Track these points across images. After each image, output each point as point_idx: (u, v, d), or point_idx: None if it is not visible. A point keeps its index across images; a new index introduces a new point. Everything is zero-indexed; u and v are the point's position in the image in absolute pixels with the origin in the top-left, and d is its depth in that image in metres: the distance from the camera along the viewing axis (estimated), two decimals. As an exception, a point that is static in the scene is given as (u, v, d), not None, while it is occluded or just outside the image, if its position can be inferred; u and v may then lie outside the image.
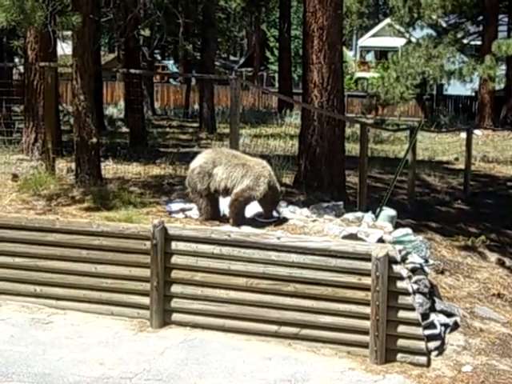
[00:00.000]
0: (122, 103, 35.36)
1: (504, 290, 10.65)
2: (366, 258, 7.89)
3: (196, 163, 9.49)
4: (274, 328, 8.28)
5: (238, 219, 9.23)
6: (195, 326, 8.52)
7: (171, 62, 59.20)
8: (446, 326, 8.52)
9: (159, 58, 54.32)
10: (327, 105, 12.61)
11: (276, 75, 55.27)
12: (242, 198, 9.19)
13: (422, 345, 7.92)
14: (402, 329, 7.92)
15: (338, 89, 12.74)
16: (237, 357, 7.88)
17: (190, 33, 34.96)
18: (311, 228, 9.19)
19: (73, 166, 12.03)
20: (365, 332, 7.95)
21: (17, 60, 29.92)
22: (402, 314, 7.90)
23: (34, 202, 10.41)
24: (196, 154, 10.00)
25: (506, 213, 15.27)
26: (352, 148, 17.87)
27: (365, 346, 7.97)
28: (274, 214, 9.61)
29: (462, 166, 18.35)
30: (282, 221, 9.48)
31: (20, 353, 7.75)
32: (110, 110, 35.13)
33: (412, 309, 7.90)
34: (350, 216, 9.99)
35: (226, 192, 9.30)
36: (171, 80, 54.81)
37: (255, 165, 9.34)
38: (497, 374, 7.86)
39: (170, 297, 8.57)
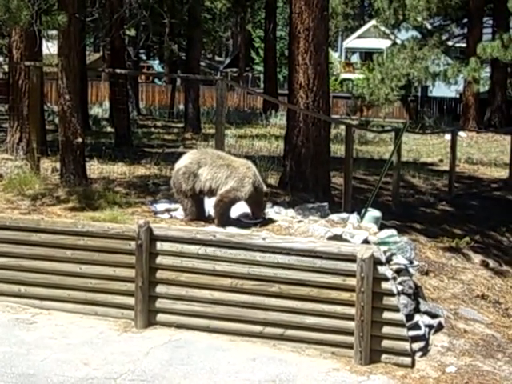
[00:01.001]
0: (106, 103, 35.28)
1: (488, 292, 10.70)
2: (351, 259, 7.90)
3: (181, 163, 9.49)
4: (258, 329, 8.28)
5: (223, 220, 9.23)
6: (180, 326, 8.51)
7: (156, 62, 59.07)
8: (430, 327, 8.54)
9: (144, 57, 54.21)
10: (313, 106, 12.65)
11: (261, 76, 55.25)
12: (227, 199, 9.19)
13: (406, 346, 7.94)
14: (386, 330, 7.94)
15: (323, 90, 12.78)
16: (221, 357, 7.87)
17: (176, 33, 34.95)
18: (296, 229, 9.19)
19: (58, 165, 12.01)
20: (349, 333, 7.97)
21: (1, 59, 29.80)
22: (386, 314, 7.92)
23: (19, 202, 10.38)
24: (181, 154, 10.00)
25: (490, 214, 15.35)
26: (337, 149, 17.88)
27: (349, 346, 7.99)
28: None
29: (447, 168, 18.42)
30: (267, 221, 9.49)
31: (4, 353, 7.71)
32: (95, 110, 35.03)
33: (396, 310, 7.93)
34: (335, 217, 10.00)
35: (211, 193, 9.31)
36: (156, 80, 54.75)
37: (240, 166, 9.35)
38: (480, 374, 7.90)
39: (155, 297, 8.56)
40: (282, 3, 50.41)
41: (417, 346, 8.11)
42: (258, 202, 9.44)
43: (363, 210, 10.80)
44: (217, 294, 8.37)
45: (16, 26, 11.53)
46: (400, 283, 8.22)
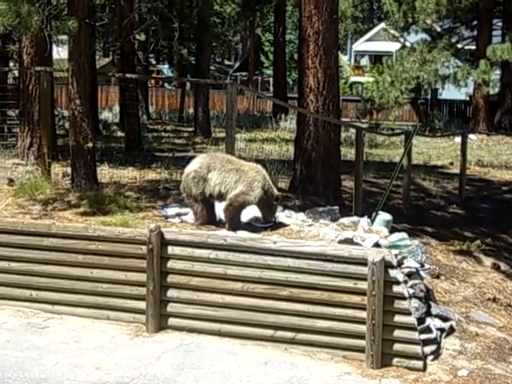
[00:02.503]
0: (116, 107, 35.32)
1: (499, 295, 10.68)
2: (362, 262, 7.90)
3: (191, 168, 9.51)
4: (270, 332, 8.28)
5: (234, 224, 9.24)
6: (191, 330, 8.51)
7: (166, 66, 59.21)
8: (441, 330, 8.53)
9: (154, 62, 54.32)
10: (323, 109, 12.64)
11: (271, 79, 55.23)
12: (237, 203, 9.21)
13: (418, 349, 7.93)
14: (398, 333, 7.93)
15: (333, 93, 12.77)
16: (233, 361, 7.87)
17: (185, 37, 34.98)
18: (307, 232, 9.20)
19: (68, 170, 12.03)
20: (361, 336, 7.96)
21: (11, 64, 29.89)
22: (398, 318, 7.91)
23: (30, 207, 10.41)
24: (191, 158, 10.01)
25: (500, 217, 15.31)
26: (347, 152, 17.88)
27: (361, 350, 7.98)
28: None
29: (457, 171, 18.37)
30: (277, 225, 9.49)
31: (16, 358, 7.73)
32: (105, 115, 35.09)
33: (408, 313, 7.91)
34: (345, 220, 10.00)
35: (221, 197, 9.33)
36: (166, 84, 54.83)
37: (249, 170, 9.36)
38: (493, 378, 7.88)
39: (166, 301, 8.57)
40: (292, 7, 50.40)
41: (428, 349, 8.10)
42: (269, 206, 9.44)
43: (374, 214, 10.79)
44: (228, 298, 8.37)
45: (26, 31, 11.55)
46: (411, 286, 8.21)
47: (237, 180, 9.22)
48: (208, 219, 9.47)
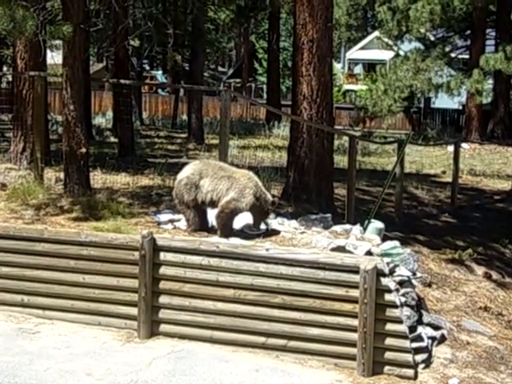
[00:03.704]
0: (110, 113, 35.32)
1: (491, 304, 10.70)
2: (354, 270, 7.91)
3: (183, 174, 9.52)
4: (261, 340, 8.28)
5: (226, 230, 9.25)
6: (183, 337, 8.51)
7: (160, 72, 59.24)
8: (433, 338, 8.55)
9: (148, 68, 54.35)
10: (316, 117, 12.65)
11: (264, 87, 55.37)
12: (228, 210, 9.23)
13: (409, 357, 7.94)
14: (389, 341, 7.94)
15: (327, 101, 12.78)
16: (224, 368, 7.87)
17: (179, 43, 34.96)
18: (299, 240, 9.21)
19: (61, 175, 12.02)
20: (352, 344, 7.97)
21: (5, 69, 29.89)
22: (389, 326, 7.92)
23: (23, 212, 10.39)
24: (184, 164, 10.02)
25: (492, 226, 15.34)
26: (340, 160, 17.89)
27: (352, 358, 7.98)
28: (263, 225, 9.63)
29: (450, 179, 18.40)
30: (270, 232, 9.50)
31: (6, 363, 7.71)
32: (98, 120, 35.08)
33: (399, 321, 7.93)
34: (338, 228, 10.03)
35: (213, 204, 9.35)
36: (159, 90, 54.85)
37: (241, 177, 9.38)
38: (483, 387, 7.90)
39: (158, 308, 8.56)
40: (286, 14, 50.50)
41: (420, 357, 8.11)
42: (261, 213, 9.46)
43: (366, 222, 10.81)
44: (220, 305, 8.37)
45: (21, 36, 11.55)
46: (403, 295, 8.23)
47: (228, 187, 9.25)
48: (200, 225, 9.48)
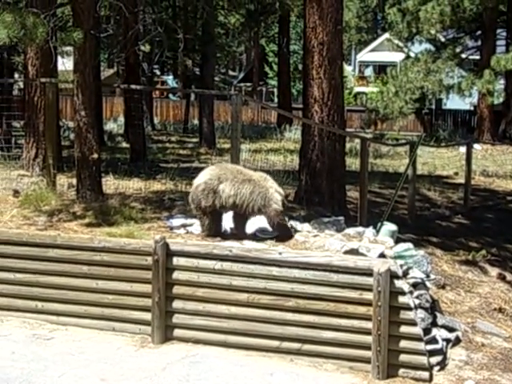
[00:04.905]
0: (121, 118, 35.39)
1: (505, 305, 10.64)
2: (368, 273, 7.89)
3: (200, 180, 9.43)
4: (275, 343, 8.27)
5: (285, 232, 9.39)
6: (197, 341, 8.50)
7: (170, 77, 59.34)
8: (447, 340, 8.51)
9: (159, 73, 54.42)
10: (328, 120, 12.63)
11: (275, 90, 55.38)
12: (274, 214, 9.24)
13: (424, 360, 7.91)
14: (403, 344, 7.91)
15: (338, 104, 12.76)
16: (239, 373, 7.86)
17: (190, 48, 34.99)
18: (312, 243, 9.19)
19: (74, 181, 12.04)
20: (367, 347, 7.94)
21: (17, 75, 29.98)
22: (403, 329, 7.90)
23: (36, 218, 10.42)
24: (196, 169, 10.02)
25: (506, 227, 15.26)
26: (352, 163, 17.87)
27: (367, 361, 7.96)
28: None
29: (462, 181, 18.34)
30: (283, 236, 9.47)
31: (21, 369, 7.73)
32: (110, 126, 35.17)
33: (414, 324, 7.90)
34: (351, 231, 10.00)
35: (236, 208, 9.27)
36: (170, 95, 54.90)
37: (259, 179, 9.34)
38: (499, 389, 7.86)
39: (172, 312, 8.57)
40: (295, 17, 50.52)
41: (434, 360, 8.08)
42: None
43: (379, 224, 10.78)
44: (233, 309, 8.37)
45: (32, 43, 11.58)
46: (417, 297, 8.20)
47: (252, 191, 9.18)
48: (215, 231, 9.44)
